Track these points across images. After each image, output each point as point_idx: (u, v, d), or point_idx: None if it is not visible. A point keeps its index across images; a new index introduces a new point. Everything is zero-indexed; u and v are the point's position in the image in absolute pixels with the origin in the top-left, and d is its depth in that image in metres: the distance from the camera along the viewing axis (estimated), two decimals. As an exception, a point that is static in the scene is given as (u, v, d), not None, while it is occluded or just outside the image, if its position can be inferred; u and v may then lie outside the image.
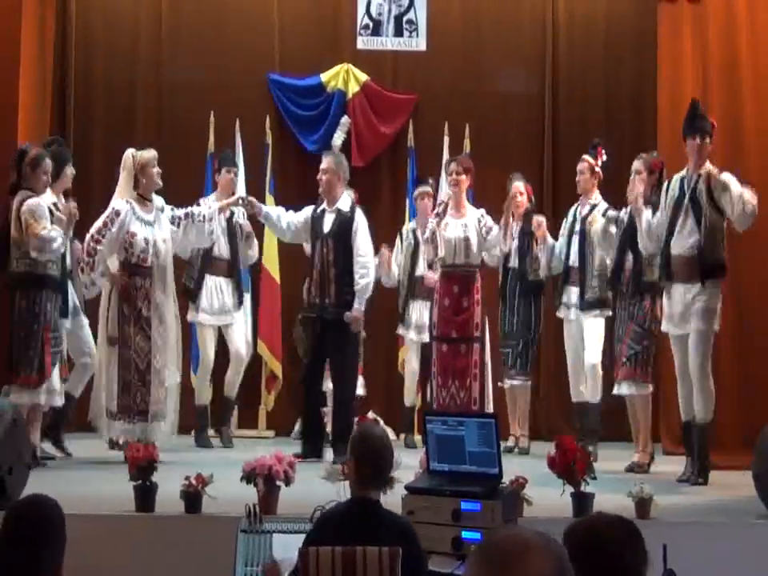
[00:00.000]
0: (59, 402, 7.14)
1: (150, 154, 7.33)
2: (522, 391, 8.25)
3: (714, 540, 5.19)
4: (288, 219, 7.75)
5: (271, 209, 8.02)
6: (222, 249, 8.27)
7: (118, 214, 7.14)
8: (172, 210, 7.47)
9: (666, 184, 6.91)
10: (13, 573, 2.84)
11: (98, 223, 7.18)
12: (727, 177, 6.63)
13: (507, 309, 8.28)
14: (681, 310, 6.73)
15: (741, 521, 5.50)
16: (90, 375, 7.64)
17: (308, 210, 7.74)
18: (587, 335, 7.82)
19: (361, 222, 7.58)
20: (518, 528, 2.02)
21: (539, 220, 8.10)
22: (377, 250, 8.47)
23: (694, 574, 4.57)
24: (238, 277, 8.36)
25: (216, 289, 8.27)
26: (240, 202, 7.81)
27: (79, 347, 7.59)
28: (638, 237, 7.08)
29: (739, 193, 6.49)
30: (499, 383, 8.22)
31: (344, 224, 7.53)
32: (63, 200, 7.70)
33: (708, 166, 6.70)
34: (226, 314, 8.30)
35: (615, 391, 7.39)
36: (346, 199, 7.67)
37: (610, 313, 7.70)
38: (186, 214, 7.49)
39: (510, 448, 8.02)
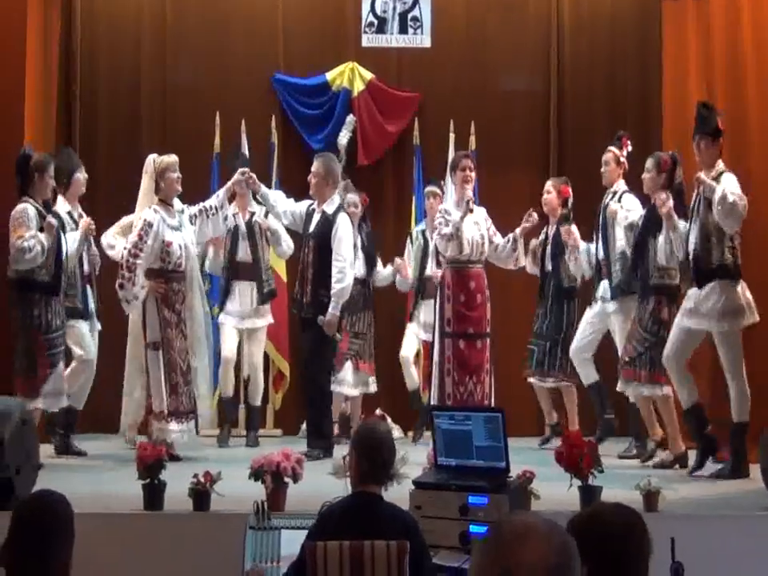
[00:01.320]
0: (64, 402, 7.20)
1: (170, 159, 7.34)
2: (570, 394, 8.28)
3: (722, 533, 5.18)
4: (286, 206, 7.84)
5: (271, 191, 8.08)
6: (245, 252, 8.36)
7: (150, 225, 7.16)
8: (189, 207, 7.52)
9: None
10: (22, 569, 2.85)
11: (133, 237, 7.18)
12: (724, 179, 6.61)
13: (542, 311, 8.35)
14: (691, 306, 6.74)
15: (748, 513, 5.49)
16: (90, 383, 7.68)
17: (302, 205, 7.86)
18: (618, 337, 7.74)
19: (342, 226, 7.63)
20: (525, 514, 2.03)
21: (566, 228, 8.11)
22: (388, 259, 8.64)
23: (702, 567, 4.56)
24: (260, 279, 8.39)
25: (240, 293, 8.36)
26: (242, 175, 7.73)
27: (88, 349, 7.62)
28: (661, 247, 7.10)
29: (723, 193, 6.46)
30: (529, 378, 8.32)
31: (326, 226, 7.63)
32: (80, 208, 7.77)
33: (716, 166, 6.69)
34: (249, 319, 8.39)
35: (619, 388, 7.39)
36: (333, 202, 7.76)
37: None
38: (201, 210, 7.51)
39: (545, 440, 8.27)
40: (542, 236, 8.45)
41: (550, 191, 8.32)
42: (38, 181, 7.08)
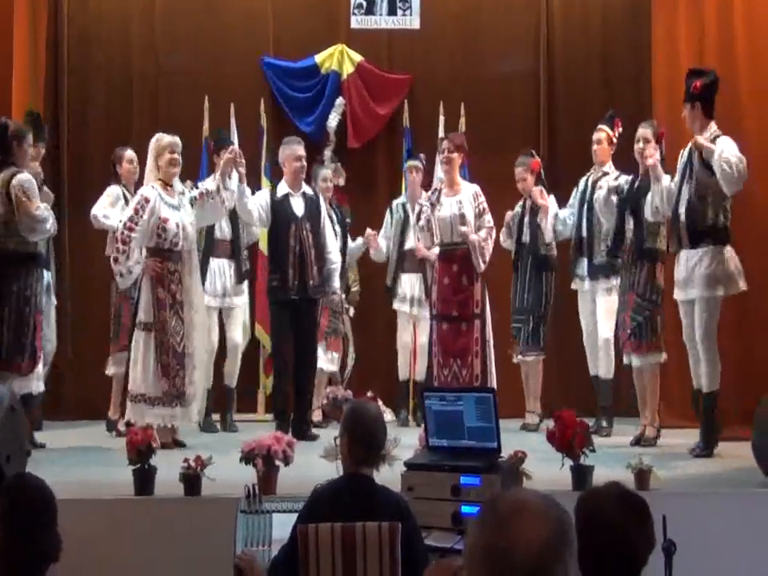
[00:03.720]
0: (41, 387, 7.07)
1: (166, 140, 7.19)
2: (534, 367, 8.27)
3: (714, 510, 5.19)
4: (254, 201, 7.76)
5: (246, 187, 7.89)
6: (224, 230, 8.26)
7: (147, 200, 7.06)
8: (190, 190, 7.45)
9: (681, 153, 6.91)
10: (6, 552, 2.84)
11: (129, 211, 7.11)
12: (721, 141, 6.60)
13: (519, 284, 8.33)
14: (684, 275, 6.74)
15: (740, 491, 5.49)
16: (49, 364, 7.59)
17: (264, 195, 7.86)
18: (599, 310, 7.82)
19: (324, 206, 7.97)
20: (520, 490, 2.01)
21: (536, 190, 8.12)
22: (361, 232, 8.61)
23: (694, 544, 4.57)
24: (239, 258, 8.33)
25: (219, 271, 8.26)
26: (232, 153, 7.57)
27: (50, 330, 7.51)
28: (649, 203, 7.06)
29: (724, 155, 6.45)
30: (513, 358, 8.29)
31: (315, 208, 7.81)
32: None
33: (709, 131, 6.66)
34: (228, 297, 8.30)
35: (625, 361, 7.39)
36: (304, 184, 7.93)
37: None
38: (201, 194, 7.40)
39: (527, 425, 8.17)
40: (517, 208, 8.43)
41: (524, 177, 8.33)
42: (17, 150, 6.90)
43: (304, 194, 7.82)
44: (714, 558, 5.00)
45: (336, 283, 7.93)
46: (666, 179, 6.93)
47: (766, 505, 5.30)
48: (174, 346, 7.04)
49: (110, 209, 8.00)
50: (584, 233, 7.89)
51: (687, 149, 6.82)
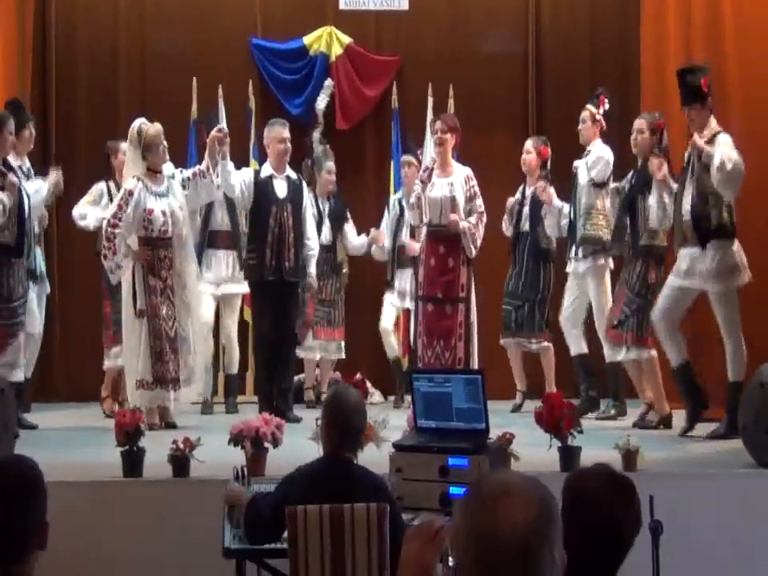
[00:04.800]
0: (20, 375, 6.96)
1: (155, 130, 7.16)
2: (546, 353, 8.30)
3: (701, 491, 5.21)
4: (238, 176, 7.70)
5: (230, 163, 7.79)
6: (222, 220, 8.26)
7: (131, 194, 7.05)
8: (182, 171, 7.43)
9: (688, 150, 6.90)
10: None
11: (113, 208, 7.11)
12: (719, 141, 6.58)
13: (516, 271, 8.32)
14: (686, 267, 6.72)
15: (726, 471, 5.51)
16: (38, 350, 7.58)
17: (248, 173, 7.84)
18: (591, 295, 7.78)
19: (306, 190, 7.97)
20: (505, 472, 2.01)
21: (541, 185, 8.07)
22: (364, 229, 8.64)
23: (681, 524, 4.60)
24: (238, 247, 8.28)
25: (216, 261, 8.28)
26: (219, 132, 7.52)
27: (33, 317, 7.44)
28: (655, 210, 7.09)
29: (720, 161, 6.42)
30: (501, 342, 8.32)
31: (297, 192, 7.80)
32: (28, 163, 7.58)
33: (708, 127, 6.66)
34: (226, 284, 8.30)
35: (606, 353, 7.41)
36: (288, 167, 7.91)
37: (609, 264, 7.73)
38: (194, 174, 7.39)
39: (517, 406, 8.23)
40: (518, 195, 8.40)
41: (530, 151, 8.30)
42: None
43: (288, 177, 7.80)
44: (700, 539, 5.03)
45: (312, 269, 7.88)
46: (675, 187, 6.94)
47: (753, 485, 5.33)
48: (166, 331, 7.05)
49: (89, 207, 7.98)
50: (571, 215, 7.91)
51: (688, 149, 6.80)
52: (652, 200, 7.13)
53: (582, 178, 7.64)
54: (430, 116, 9.08)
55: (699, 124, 6.69)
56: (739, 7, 8.29)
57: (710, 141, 6.59)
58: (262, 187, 7.70)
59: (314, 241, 7.93)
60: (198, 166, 7.54)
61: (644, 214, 7.20)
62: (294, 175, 7.87)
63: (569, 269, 7.96)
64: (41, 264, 7.58)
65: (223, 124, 8.68)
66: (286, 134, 7.80)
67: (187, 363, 7.14)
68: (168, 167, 7.34)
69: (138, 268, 7.07)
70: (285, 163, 7.82)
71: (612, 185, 7.58)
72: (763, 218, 7.86)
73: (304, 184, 7.98)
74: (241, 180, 7.68)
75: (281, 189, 7.72)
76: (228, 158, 7.57)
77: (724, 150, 6.49)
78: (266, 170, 7.79)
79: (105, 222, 7.09)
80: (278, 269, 7.61)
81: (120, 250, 7.00)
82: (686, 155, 6.83)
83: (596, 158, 7.60)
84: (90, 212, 7.89)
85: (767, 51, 8.19)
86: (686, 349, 6.91)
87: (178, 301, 7.14)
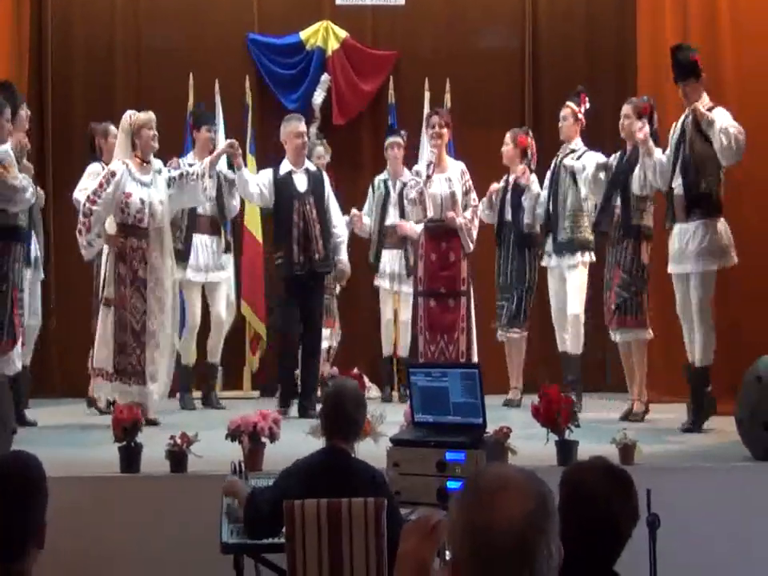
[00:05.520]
0: (19, 366, 6.95)
1: (146, 116, 7.15)
2: (518, 344, 8.28)
3: (697, 484, 5.22)
4: (257, 181, 7.75)
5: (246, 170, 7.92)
6: (207, 205, 8.17)
7: (114, 174, 7.01)
8: (169, 171, 7.38)
9: (673, 127, 6.91)
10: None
11: (94, 184, 7.08)
12: (718, 112, 6.61)
13: (503, 260, 8.31)
14: (678, 249, 6.75)
15: (723, 465, 5.51)
16: (35, 338, 7.54)
17: (267, 174, 7.80)
18: (569, 285, 7.84)
19: (328, 181, 7.93)
20: (502, 466, 2.01)
21: (521, 168, 8.08)
22: (347, 211, 8.55)
23: (678, 518, 4.61)
24: (223, 232, 8.26)
25: (202, 246, 8.20)
26: (230, 147, 7.60)
27: (30, 304, 7.42)
28: (636, 177, 7.07)
29: (724, 126, 6.46)
30: (499, 335, 8.28)
31: (318, 183, 7.76)
32: (28, 144, 7.53)
33: (702, 101, 6.67)
34: (212, 272, 8.23)
35: (612, 338, 7.40)
36: (307, 160, 7.92)
37: (592, 258, 7.73)
38: (181, 175, 7.34)
39: (510, 401, 8.15)
40: (501, 183, 8.39)
41: (507, 143, 8.32)
42: None
43: (307, 170, 7.79)
44: (697, 532, 5.04)
45: (343, 255, 7.92)
46: (657, 152, 6.93)
47: (750, 479, 5.33)
48: (131, 323, 6.95)
49: (88, 181, 7.89)
50: (550, 210, 7.91)
51: (680, 122, 6.82)
52: (636, 169, 7.11)
53: (593, 177, 7.56)
54: (426, 111, 9.07)
55: (694, 99, 6.70)
56: (735, 3, 8.30)
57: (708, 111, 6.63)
58: (282, 185, 7.67)
59: (340, 228, 7.95)
60: (185, 167, 7.51)
61: (634, 195, 7.20)
62: (312, 167, 7.88)
63: (546, 263, 7.97)
64: (35, 249, 7.54)
65: (219, 117, 8.75)
66: (303, 128, 7.83)
67: (155, 359, 7.02)
68: (156, 162, 7.31)
69: (110, 255, 7.01)
70: (303, 157, 7.82)
71: (601, 160, 7.57)
72: (758, 214, 7.87)
73: (324, 174, 7.98)
74: (260, 185, 7.69)
75: (301, 183, 7.71)
76: (243, 167, 7.66)
77: (723, 118, 6.54)
78: (285, 166, 7.76)
79: (84, 198, 7.06)
80: (308, 262, 7.58)
81: (94, 228, 6.96)
82: (675, 132, 6.81)
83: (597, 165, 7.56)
84: (90, 186, 7.87)
85: (763, 47, 8.19)
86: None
87: (150, 295, 7.02)
